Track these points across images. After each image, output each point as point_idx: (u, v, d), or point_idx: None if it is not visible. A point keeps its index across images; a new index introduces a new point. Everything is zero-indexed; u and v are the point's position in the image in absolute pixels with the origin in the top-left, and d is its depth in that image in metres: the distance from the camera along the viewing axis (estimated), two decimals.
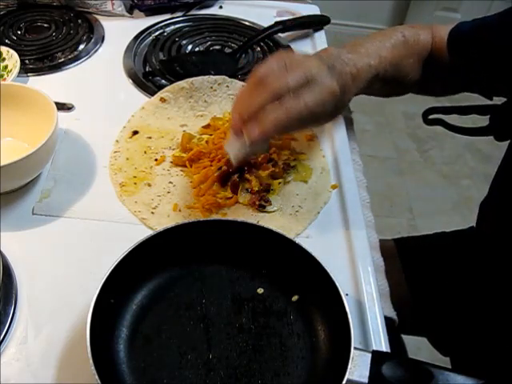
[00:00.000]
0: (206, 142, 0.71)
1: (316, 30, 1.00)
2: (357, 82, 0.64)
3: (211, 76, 0.78)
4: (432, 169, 2.18)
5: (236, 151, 0.58)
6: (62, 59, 0.88)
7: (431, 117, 0.83)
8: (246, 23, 1.02)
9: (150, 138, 0.74)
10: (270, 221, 0.64)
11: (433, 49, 0.73)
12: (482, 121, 0.75)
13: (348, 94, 0.63)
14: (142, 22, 0.98)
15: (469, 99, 0.78)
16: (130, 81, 0.85)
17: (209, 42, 0.96)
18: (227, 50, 0.94)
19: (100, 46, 0.93)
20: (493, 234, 0.79)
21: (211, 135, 0.72)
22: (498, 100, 0.74)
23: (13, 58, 0.79)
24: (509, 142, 0.74)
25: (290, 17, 1.00)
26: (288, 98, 0.55)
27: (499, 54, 0.67)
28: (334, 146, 0.75)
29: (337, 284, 0.50)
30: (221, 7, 1.06)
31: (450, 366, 0.85)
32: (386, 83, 0.71)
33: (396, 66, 0.70)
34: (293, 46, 0.96)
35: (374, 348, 0.52)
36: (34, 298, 0.55)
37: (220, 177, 0.65)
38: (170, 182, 0.68)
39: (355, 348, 0.46)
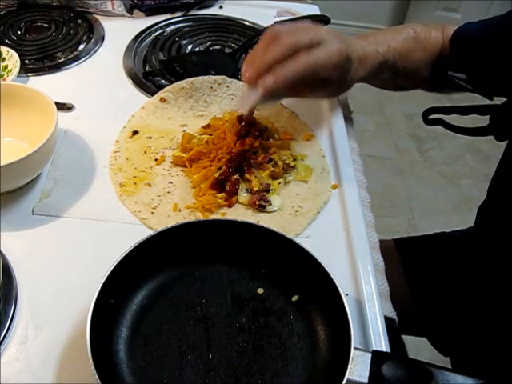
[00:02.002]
0: (206, 142, 0.71)
1: None
2: (364, 65, 0.66)
3: (211, 76, 0.78)
4: (432, 169, 2.18)
5: (249, 102, 0.62)
6: (62, 59, 0.88)
7: (431, 117, 0.83)
8: (246, 23, 1.02)
9: (150, 137, 0.74)
10: (270, 221, 0.64)
11: (442, 47, 0.74)
12: (482, 121, 0.75)
13: (355, 72, 0.66)
14: (142, 22, 0.98)
15: (469, 99, 0.77)
16: (130, 81, 0.85)
17: (209, 42, 0.96)
18: (227, 50, 0.94)
19: (100, 45, 0.93)
20: (492, 236, 0.79)
21: (211, 135, 0.72)
22: (498, 100, 0.73)
23: (13, 58, 0.79)
24: (507, 143, 0.74)
25: (290, 17, 1.00)
26: (300, 53, 0.60)
27: (505, 55, 0.67)
28: (334, 146, 0.75)
29: (337, 284, 0.50)
30: (221, 7, 1.06)
31: (450, 366, 0.85)
32: (397, 74, 0.72)
33: (405, 58, 0.71)
34: None
35: (374, 348, 0.52)
36: (33, 297, 0.55)
37: (215, 183, 0.65)
38: (170, 182, 0.68)
39: (355, 348, 0.46)
